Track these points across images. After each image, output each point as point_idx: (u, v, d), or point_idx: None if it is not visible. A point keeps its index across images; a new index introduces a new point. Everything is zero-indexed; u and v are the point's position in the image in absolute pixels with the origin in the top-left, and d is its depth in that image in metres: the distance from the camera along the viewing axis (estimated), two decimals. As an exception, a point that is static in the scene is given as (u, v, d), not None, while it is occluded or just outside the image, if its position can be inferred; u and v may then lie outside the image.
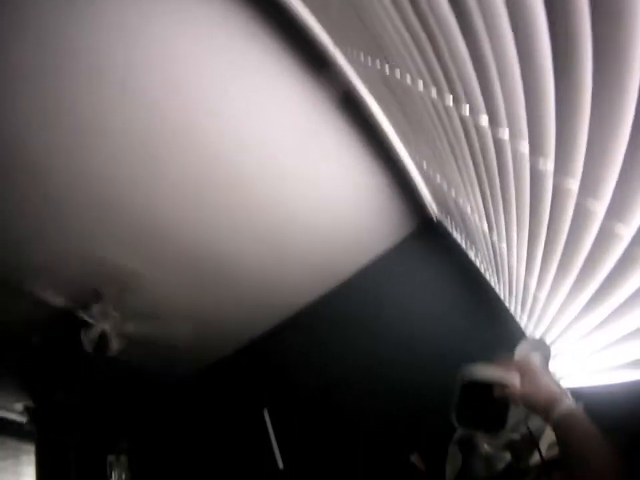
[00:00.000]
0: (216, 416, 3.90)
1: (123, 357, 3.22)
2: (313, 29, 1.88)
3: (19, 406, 4.97)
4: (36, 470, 4.87)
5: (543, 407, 0.78)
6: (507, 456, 1.55)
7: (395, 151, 2.50)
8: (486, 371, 0.88)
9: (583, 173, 0.87)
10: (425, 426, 2.64)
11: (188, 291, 3.14)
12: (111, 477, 4.79)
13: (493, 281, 2.25)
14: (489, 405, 0.85)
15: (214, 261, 2.94)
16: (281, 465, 3.31)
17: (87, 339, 2.93)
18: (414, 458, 2.62)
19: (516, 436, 1.63)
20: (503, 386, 0.83)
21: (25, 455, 5.54)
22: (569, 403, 0.77)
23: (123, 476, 4.84)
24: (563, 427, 0.75)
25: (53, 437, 4.81)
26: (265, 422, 3.49)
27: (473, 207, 1.73)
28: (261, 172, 2.45)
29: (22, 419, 5.14)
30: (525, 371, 0.84)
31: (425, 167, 2.25)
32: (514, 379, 0.82)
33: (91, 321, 2.92)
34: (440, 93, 1.30)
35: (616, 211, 0.84)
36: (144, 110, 2.01)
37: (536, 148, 0.97)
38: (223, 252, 2.89)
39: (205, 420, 3.98)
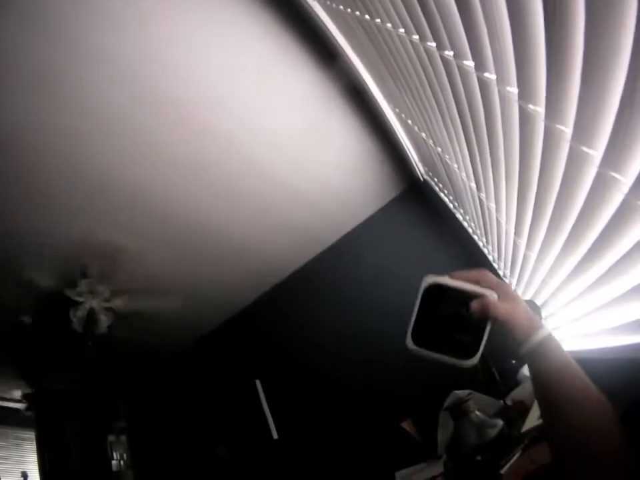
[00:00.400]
0: (210, 388, 3.91)
1: (114, 334, 3.19)
2: None
3: (17, 393, 4.96)
4: (37, 455, 4.91)
5: (522, 329, 0.64)
6: (499, 422, 1.52)
7: (380, 110, 2.40)
8: (457, 281, 0.68)
9: (576, 119, 0.78)
10: (416, 392, 2.63)
11: (175, 263, 3.11)
12: (112, 457, 4.82)
13: (481, 242, 2.19)
14: (460, 321, 0.66)
15: (200, 232, 2.92)
16: (275, 434, 3.33)
17: (76, 318, 2.89)
18: (405, 424, 2.62)
19: (508, 402, 1.61)
20: (479, 298, 0.65)
21: (28, 442, 5.59)
22: (548, 330, 0.64)
23: (125, 455, 4.89)
24: (543, 357, 0.62)
25: (52, 422, 4.82)
26: (257, 392, 3.50)
27: (460, 165, 1.65)
28: (247, 140, 2.38)
29: (21, 406, 5.15)
30: (501, 286, 0.67)
31: (410, 124, 2.15)
32: (492, 293, 0.65)
33: (78, 298, 2.86)
34: (423, 38, 1.20)
35: (612, 159, 0.76)
36: (133, 85, 1.95)
37: (525, 94, 0.88)
38: (209, 222, 2.86)
39: (199, 393, 4.00)
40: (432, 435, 2.19)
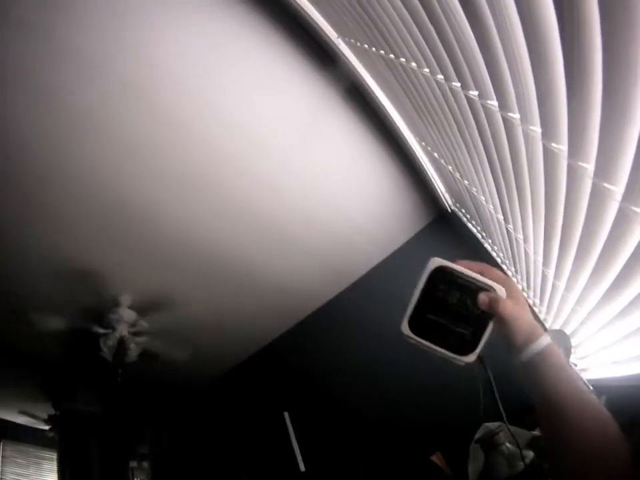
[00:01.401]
0: (237, 420, 3.93)
1: (143, 363, 3.27)
2: (316, 21, 1.88)
3: (42, 414, 5.08)
4: (58, 476, 4.98)
5: (525, 333, 0.60)
6: (530, 454, 1.52)
7: (406, 142, 2.48)
8: (465, 270, 0.63)
9: (598, 156, 0.84)
10: (446, 425, 2.61)
11: (203, 297, 3.18)
12: (133, 482, 4.87)
13: (510, 272, 2.21)
14: (463, 313, 0.62)
15: (227, 267, 2.99)
16: (302, 467, 3.32)
17: (106, 347, 2.98)
18: (435, 457, 2.60)
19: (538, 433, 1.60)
20: (488, 291, 0.61)
21: (47, 462, 5.68)
22: (549, 339, 0.61)
23: (146, 482, 4.92)
24: (545, 366, 0.60)
25: (75, 444, 4.90)
26: (285, 425, 3.50)
27: (487, 197, 1.70)
28: (274, 173, 2.47)
29: (44, 426, 5.26)
30: (509, 283, 0.63)
31: (436, 157, 2.22)
32: (501, 288, 0.62)
33: (107, 330, 2.96)
34: (447, 78, 1.28)
35: (633, 194, 0.81)
36: (153, 113, 2.05)
37: (548, 131, 0.94)
38: (235, 257, 2.93)
39: (226, 424, 4.02)
40: (462, 468, 2.17)
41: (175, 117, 2.08)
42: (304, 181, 2.58)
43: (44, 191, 2.33)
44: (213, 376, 4.15)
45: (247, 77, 2.02)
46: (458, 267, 0.64)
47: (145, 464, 5.12)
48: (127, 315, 2.97)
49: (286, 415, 3.51)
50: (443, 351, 0.61)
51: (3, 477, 4.91)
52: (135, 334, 3.05)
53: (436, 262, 0.65)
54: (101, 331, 2.98)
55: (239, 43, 1.90)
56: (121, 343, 3.05)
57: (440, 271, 0.65)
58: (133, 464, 5.11)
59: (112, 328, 3.00)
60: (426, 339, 0.63)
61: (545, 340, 0.60)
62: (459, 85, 1.23)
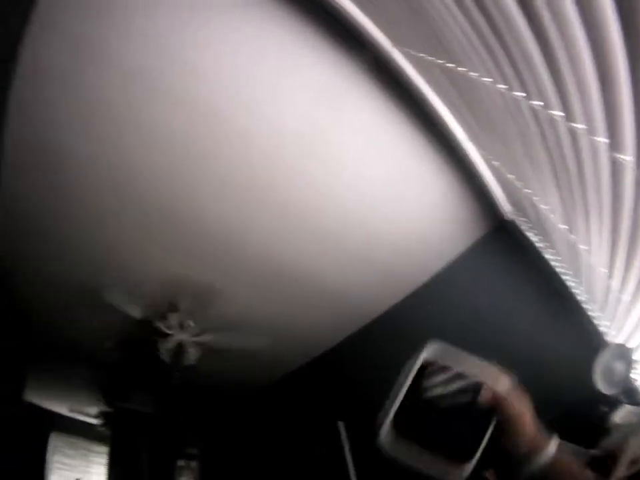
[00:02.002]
0: (289, 427, 3.96)
1: (199, 366, 3.37)
2: (370, 31, 1.90)
3: (94, 410, 5.36)
4: (108, 470, 5.23)
5: (528, 439, 0.53)
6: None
7: (464, 150, 2.48)
8: (466, 362, 0.55)
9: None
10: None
11: (262, 302, 3.23)
12: (178, 481, 5.04)
13: (572, 284, 2.18)
14: (459, 412, 0.53)
15: (288, 273, 3.01)
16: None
17: (165, 349, 3.11)
18: (489, 474, 2.56)
19: (598, 451, 1.57)
20: (490, 387, 0.53)
21: (94, 455, 5.95)
22: (556, 445, 0.54)
23: (192, 481, 5.08)
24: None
25: (127, 441, 5.14)
26: (339, 435, 3.49)
27: (549, 206, 1.70)
28: (334, 183, 2.51)
29: (95, 421, 5.54)
30: (510, 379, 0.56)
31: (496, 165, 2.23)
32: (504, 383, 0.54)
33: (168, 331, 3.09)
34: (511, 88, 1.30)
35: None
36: (205, 119, 2.14)
37: (615, 142, 0.96)
38: (296, 264, 2.95)
39: (277, 431, 4.05)
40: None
41: (237, 130, 2.18)
42: (363, 190, 2.60)
43: (117, 198, 2.50)
44: (267, 381, 4.21)
45: (301, 87, 2.06)
46: (454, 356, 0.56)
47: (193, 464, 5.28)
48: (187, 320, 3.10)
49: (340, 425, 3.50)
50: (433, 459, 0.51)
51: (51, 465, 5.14)
52: (196, 343, 3.18)
53: (429, 351, 0.56)
54: (161, 333, 3.12)
55: (293, 56, 1.96)
56: (180, 346, 3.18)
57: (432, 362, 0.55)
58: (180, 463, 5.29)
59: (171, 332, 3.14)
60: (414, 442, 0.52)
61: (551, 448, 0.53)
62: (523, 94, 1.26)
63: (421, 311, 3.30)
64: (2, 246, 3.10)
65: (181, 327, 3.13)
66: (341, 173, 2.47)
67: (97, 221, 2.73)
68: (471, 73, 1.51)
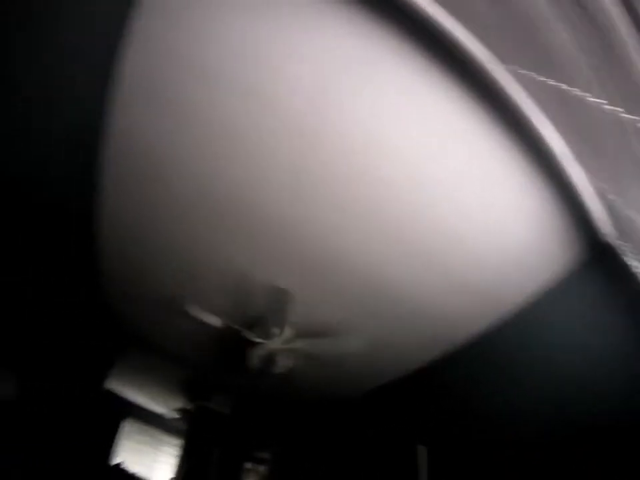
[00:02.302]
0: (366, 444, 3.93)
1: (286, 374, 3.39)
2: (472, 46, 1.82)
3: (172, 404, 5.57)
4: (179, 461, 5.42)
5: None
6: None
7: (566, 173, 2.33)
8: None
9: None
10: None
11: (352, 315, 3.23)
12: (245, 482, 5.13)
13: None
14: None
15: (381, 285, 3.03)
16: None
17: (254, 356, 3.14)
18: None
19: None
20: None
21: (165, 445, 6.19)
22: None
23: (258, 484, 5.16)
24: None
25: (201, 437, 5.30)
26: (416, 459, 3.42)
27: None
28: (427, 197, 2.47)
29: (170, 414, 5.76)
30: None
31: (599, 186, 2.09)
32: None
33: (258, 340, 3.11)
34: (628, 111, 1.18)
35: None
36: (301, 135, 2.16)
37: None
38: (389, 279, 2.97)
39: (353, 445, 4.04)
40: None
41: (343, 149, 2.20)
42: (463, 212, 2.56)
43: (212, 209, 2.63)
44: (349, 395, 4.20)
45: (403, 103, 2.05)
46: None
47: (262, 468, 5.35)
48: (285, 332, 3.11)
49: (421, 449, 3.43)
50: None
51: (121, 450, 5.40)
52: (285, 350, 3.18)
53: None
54: (255, 340, 3.14)
55: (391, 72, 1.93)
56: (270, 355, 3.19)
57: None
58: (248, 465, 5.39)
59: (261, 340, 3.16)
60: None
61: None
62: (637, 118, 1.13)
63: (511, 339, 3.21)
64: (108, 249, 3.27)
65: (271, 335, 3.15)
66: (442, 195, 2.46)
67: (189, 231, 2.81)
68: (579, 92, 1.39)
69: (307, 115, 2.08)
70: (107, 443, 5.26)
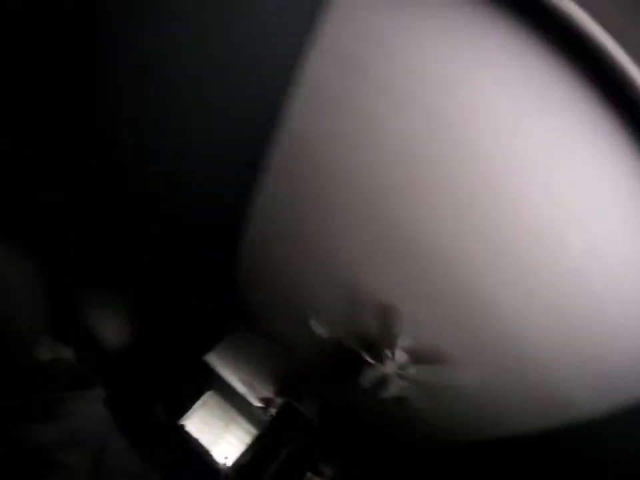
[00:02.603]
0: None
1: (391, 401, 3.40)
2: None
3: (263, 392, 5.80)
4: (245, 447, 5.59)
5: None
6: None
7: None
8: None
9: None
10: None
11: (471, 345, 3.11)
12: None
13: None
14: None
15: (506, 321, 2.82)
16: None
17: (368, 377, 3.21)
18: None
19: None
20: None
21: (235, 426, 6.41)
22: None
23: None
24: None
25: (277, 434, 5.46)
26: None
27: None
28: (573, 238, 2.24)
29: (255, 402, 5.98)
30: None
31: None
32: None
33: (374, 361, 3.17)
34: None
35: None
36: (476, 165, 2.11)
37: None
38: (517, 314, 2.73)
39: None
40: None
41: (492, 171, 2.11)
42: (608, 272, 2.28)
43: (381, 231, 2.66)
44: (446, 441, 4.10)
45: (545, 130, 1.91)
46: None
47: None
48: (401, 356, 3.13)
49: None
50: None
51: (193, 414, 5.63)
52: (400, 376, 3.20)
53: None
54: (370, 360, 3.20)
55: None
56: (383, 378, 3.23)
57: None
58: (308, 475, 5.46)
59: (381, 362, 3.20)
60: None
61: None
62: None
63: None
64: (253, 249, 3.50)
65: (388, 358, 3.18)
66: (593, 246, 2.22)
67: (337, 245, 2.91)
68: None
69: (483, 145, 2.05)
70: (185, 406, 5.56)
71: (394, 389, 3.27)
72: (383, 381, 3.28)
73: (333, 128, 2.28)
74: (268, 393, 5.72)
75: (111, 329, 4.27)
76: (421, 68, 1.90)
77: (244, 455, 5.69)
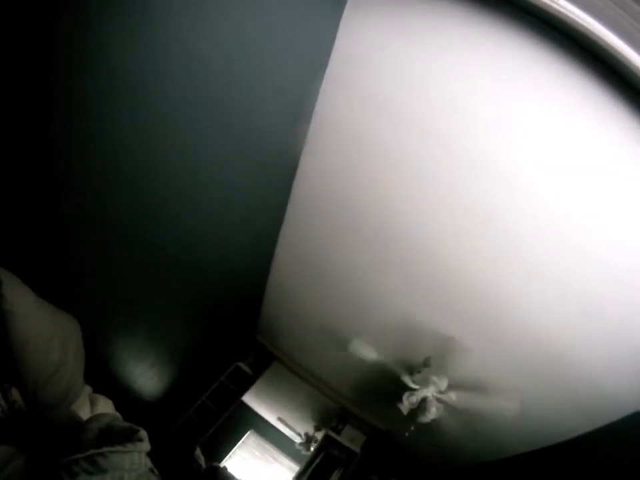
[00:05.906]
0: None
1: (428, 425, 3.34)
2: None
3: (302, 429, 5.71)
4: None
5: None
6: None
7: None
8: None
9: None
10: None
11: (513, 374, 3.08)
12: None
13: None
14: None
15: (549, 351, 2.81)
16: None
17: (407, 402, 3.15)
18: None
19: None
20: None
21: (277, 464, 6.31)
22: None
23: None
24: None
25: (320, 467, 5.35)
26: None
27: None
28: (618, 265, 2.21)
29: (298, 439, 5.89)
30: None
31: None
32: None
33: (414, 386, 3.11)
34: None
35: None
36: (493, 182, 2.11)
37: None
38: (563, 344, 2.71)
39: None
40: None
41: (526, 196, 2.11)
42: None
43: (388, 250, 2.72)
44: (483, 462, 3.99)
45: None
46: None
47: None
48: (441, 381, 3.07)
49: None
50: None
51: (233, 456, 5.58)
52: (439, 400, 3.13)
53: None
54: (411, 385, 3.15)
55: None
56: (422, 402, 3.17)
57: None
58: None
59: (417, 386, 3.14)
60: None
61: None
62: None
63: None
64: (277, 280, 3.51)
65: (428, 383, 3.12)
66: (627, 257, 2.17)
67: (362, 272, 2.91)
68: None
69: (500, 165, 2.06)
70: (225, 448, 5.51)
71: (433, 413, 3.19)
72: (423, 405, 3.20)
73: (349, 159, 2.35)
74: (306, 427, 5.64)
75: (147, 380, 4.29)
76: (438, 98, 1.93)
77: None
